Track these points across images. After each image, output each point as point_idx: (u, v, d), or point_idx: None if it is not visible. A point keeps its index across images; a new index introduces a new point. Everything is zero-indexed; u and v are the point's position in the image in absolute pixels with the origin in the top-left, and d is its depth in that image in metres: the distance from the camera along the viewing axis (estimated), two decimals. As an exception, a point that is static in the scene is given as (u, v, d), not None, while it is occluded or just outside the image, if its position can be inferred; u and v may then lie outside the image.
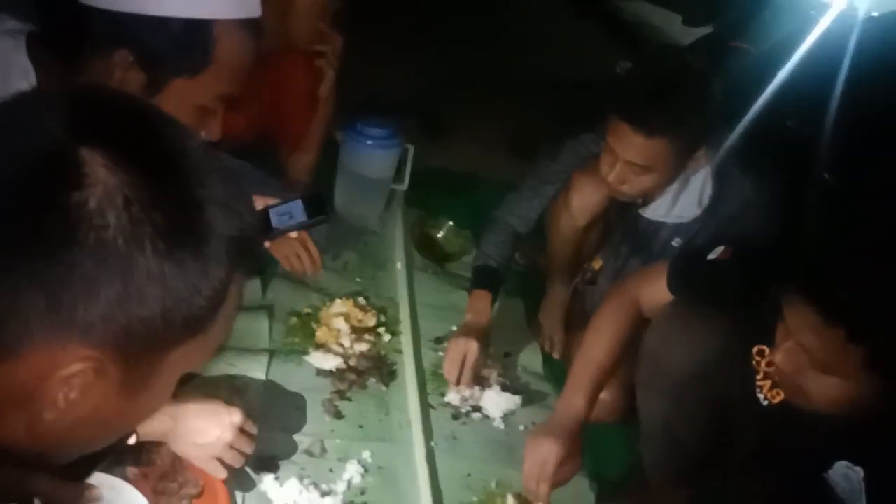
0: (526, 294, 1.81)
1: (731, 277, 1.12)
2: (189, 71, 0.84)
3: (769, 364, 0.99)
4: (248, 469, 1.15)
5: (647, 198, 1.44)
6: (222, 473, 1.03)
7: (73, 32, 0.81)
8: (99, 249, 0.43)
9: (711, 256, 1.17)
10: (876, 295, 0.76)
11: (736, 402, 1.08)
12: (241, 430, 1.05)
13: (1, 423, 0.47)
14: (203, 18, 0.82)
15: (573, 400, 1.19)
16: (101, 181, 0.43)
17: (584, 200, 1.54)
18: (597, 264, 1.71)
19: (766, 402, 1.02)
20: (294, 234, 1.33)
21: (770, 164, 1.36)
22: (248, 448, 1.06)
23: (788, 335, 0.86)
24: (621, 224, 1.56)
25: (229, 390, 1.25)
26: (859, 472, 0.91)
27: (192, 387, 1.12)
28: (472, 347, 1.44)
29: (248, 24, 0.86)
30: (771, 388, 1.00)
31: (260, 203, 1.20)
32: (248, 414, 1.21)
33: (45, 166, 0.43)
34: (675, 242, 1.42)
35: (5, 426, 0.47)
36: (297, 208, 1.23)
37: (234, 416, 1.03)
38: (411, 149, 1.89)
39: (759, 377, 1.03)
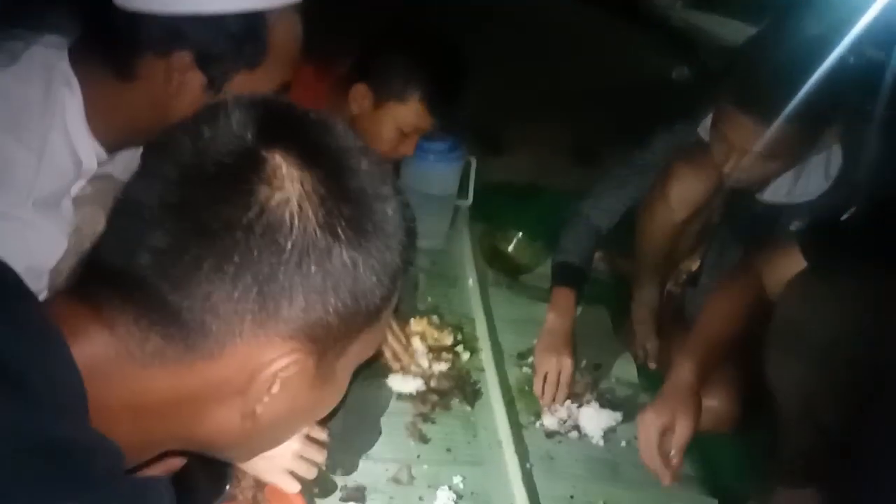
0: (611, 301, 1.69)
1: (875, 230, 0.99)
2: (248, 64, 0.81)
3: None
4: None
5: (766, 182, 1.29)
6: (295, 487, 0.94)
7: (125, 40, 0.78)
8: (303, 243, 0.45)
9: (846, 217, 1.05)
10: None
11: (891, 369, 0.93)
12: (309, 438, 0.97)
13: (212, 419, 0.49)
14: (257, 10, 0.78)
15: (680, 371, 1.07)
16: (297, 180, 0.46)
17: (685, 192, 1.39)
18: (693, 265, 1.58)
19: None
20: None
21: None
22: (319, 457, 0.97)
23: None
24: (729, 214, 1.42)
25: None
26: None
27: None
28: (565, 363, 1.33)
29: (295, 8, 0.83)
30: None
31: None
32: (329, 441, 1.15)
33: (246, 169, 0.46)
34: (795, 226, 1.26)
35: (217, 421, 0.49)
36: None
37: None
38: (474, 161, 1.83)
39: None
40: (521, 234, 1.81)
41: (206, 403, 0.48)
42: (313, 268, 0.46)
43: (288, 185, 0.45)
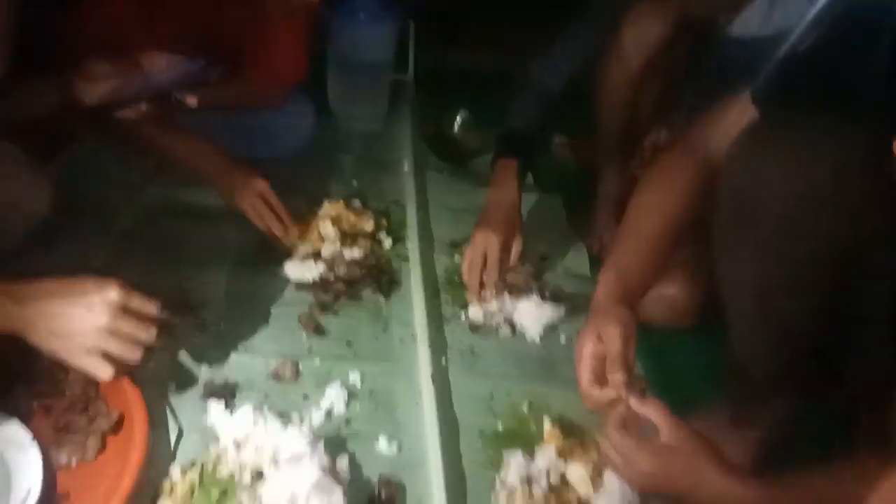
0: (564, 187, 1.47)
1: (841, 56, 0.75)
2: None
3: None
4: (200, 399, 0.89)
5: (732, 9, 1.04)
6: (105, 371, 0.75)
7: None
8: None
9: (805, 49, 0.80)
10: None
11: (870, 235, 0.72)
12: (129, 311, 0.76)
13: None
14: None
15: (601, 285, 0.85)
16: None
17: (640, 35, 1.14)
18: (658, 139, 1.34)
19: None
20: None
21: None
22: (143, 333, 0.76)
23: None
24: (695, 67, 1.17)
25: (178, 308, 0.98)
26: None
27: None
28: (491, 242, 1.12)
29: None
30: None
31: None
32: (199, 328, 0.96)
33: None
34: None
35: None
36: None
37: (109, 292, 0.75)
38: (412, 26, 1.56)
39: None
40: (467, 114, 1.57)
41: None
42: None
43: None
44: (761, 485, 0.70)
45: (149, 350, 0.77)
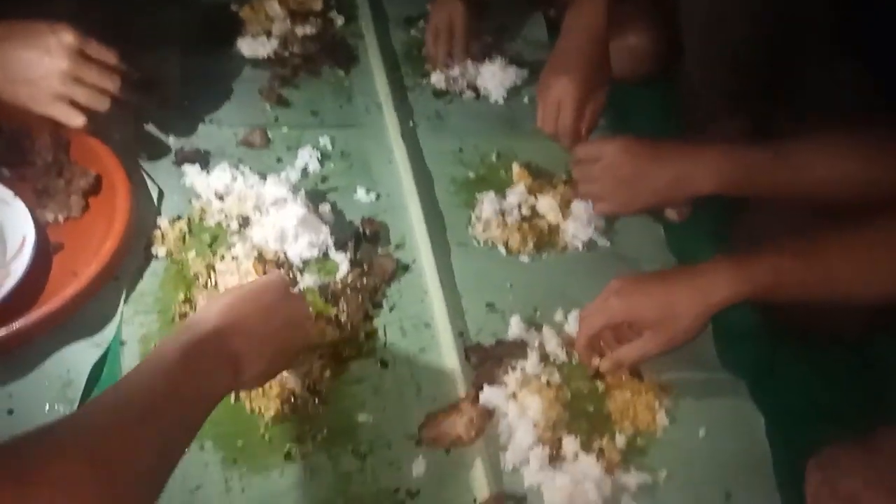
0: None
1: None
2: None
3: None
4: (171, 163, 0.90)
5: None
6: (76, 119, 0.75)
7: None
8: None
9: None
10: None
11: None
12: (86, 56, 0.75)
13: None
14: None
15: (585, 7, 0.86)
16: None
17: None
18: None
19: None
20: None
21: None
22: (107, 80, 0.76)
23: None
24: None
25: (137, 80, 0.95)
26: None
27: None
28: (457, 10, 1.11)
29: None
30: None
31: None
32: (161, 104, 0.94)
33: None
34: None
35: None
36: None
37: (64, 35, 0.73)
38: None
39: None
40: None
41: None
42: None
43: None
44: (715, 145, 0.77)
45: (115, 104, 0.76)
